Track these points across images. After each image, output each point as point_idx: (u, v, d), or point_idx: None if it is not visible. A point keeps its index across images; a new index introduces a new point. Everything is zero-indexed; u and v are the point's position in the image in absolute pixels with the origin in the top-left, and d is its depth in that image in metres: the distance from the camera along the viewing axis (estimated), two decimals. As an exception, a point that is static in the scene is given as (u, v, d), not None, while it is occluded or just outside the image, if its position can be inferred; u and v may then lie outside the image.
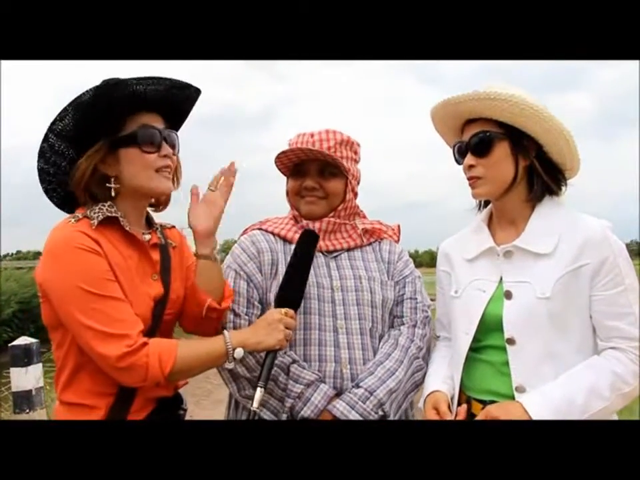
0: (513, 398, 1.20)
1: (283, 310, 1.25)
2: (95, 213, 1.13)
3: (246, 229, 1.60)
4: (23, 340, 3.73)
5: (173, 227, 1.40)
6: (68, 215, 1.16)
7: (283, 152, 1.43)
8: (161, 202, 1.32)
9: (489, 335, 1.27)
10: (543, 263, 1.21)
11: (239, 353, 1.17)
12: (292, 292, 1.31)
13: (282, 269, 1.42)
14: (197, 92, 1.25)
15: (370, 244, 1.55)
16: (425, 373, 1.44)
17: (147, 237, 1.24)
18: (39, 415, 3.74)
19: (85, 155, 1.12)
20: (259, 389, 1.19)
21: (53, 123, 1.13)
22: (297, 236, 1.45)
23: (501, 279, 1.26)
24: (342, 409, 1.28)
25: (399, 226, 1.67)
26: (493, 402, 1.24)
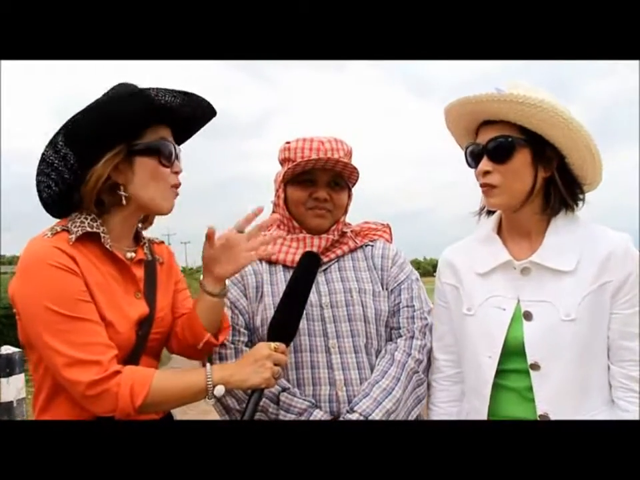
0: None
1: (273, 345, 1.14)
2: (75, 227, 1.07)
3: None
4: (5, 349, 3.65)
5: (162, 242, 1.34)
6: (46, 228, 1.09)
7: (309, 160, 1.33)
8: (149, 221, 1.26)
9: (509, 359, 1.17)
10: (564, 281, 1.13)
11: (220, 390, 1.08)
12: (285, 324, 1.19)
13: (268, 290, 1.36)
14: (213, 113, 1.22)
15: (361, 247, 1.47)
16: (427, 386, 1.36)
17: (131, 254, 1.17)
18: (20, 427, 3.64)
19: (103, 160, 1.06)
20: None
21: (67, 123, 1.08)
22: (285, 256, 1.39)
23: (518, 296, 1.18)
24: None
25: (388, 225, 1.58)
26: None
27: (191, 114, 1.17)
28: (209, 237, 1.17)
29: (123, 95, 1.08)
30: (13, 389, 3.59)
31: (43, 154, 1.09)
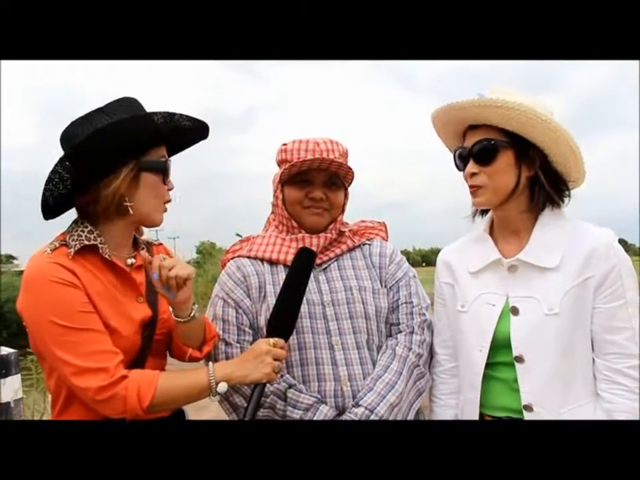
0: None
1: (272, 340, 1.19)
2: (73, 241, 1.11)
3: (228, 251, 1.56)
4: (1, 350, 3.63)
5: (161, 244, 1.37)
6: (45, 244, 1.13)
7: (304, 160, 1.36)
8: (139, 231, 1.30)
9: (498, 352, 1.23)
10: (548, 277, 1.18)
11: (222, 387, 1.13)
12: (283, 319, 1.23)
13: (270, 290, 1.39)
14: (205, 136, 1.28)
15: (359, 246, 1.50)
16: (428, 379, 1.40)
17: (131, 261, 1.22)
18: (18, 427, 3.63)
19: (121, 176, 1.11)
20: None
21: (78, 142, 1.10)
22: (285, 256, 1.41)
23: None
24: None
25: (384, 223, 1.62)
26: (508, 418, 1.22)
27: (191, 137, 1.25)
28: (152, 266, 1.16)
29: (134, 116, 1.14)
30: (9, 389, 3.57)
31: (52, 172, 1.11)
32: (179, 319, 1.19)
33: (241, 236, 1.62)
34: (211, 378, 1.12)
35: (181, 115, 1.17)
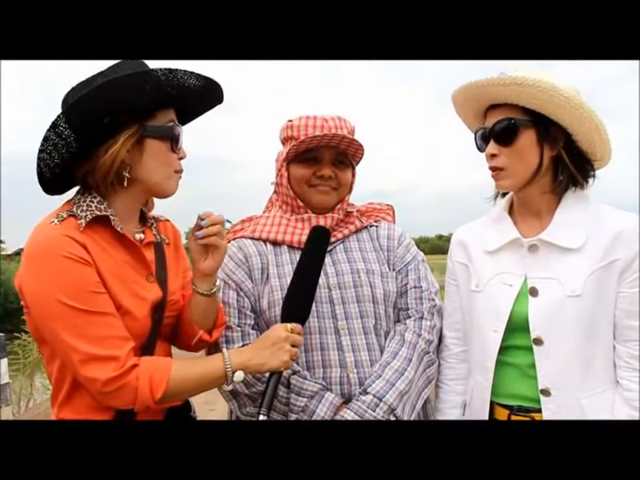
0: (539, 402, 1.15)
1: (289, 326, 1.13)
2: (83, 212, 1.02)
3: (229, 231, 1.50)
4: (-13, 334, 3.61)
5: (167, 220, 1.29)
6: (51, 212, 1.05)
7: (314, 137, 1.30)
8: (149, 205, 1.23)
9: (513, 335, 1.19)
10: (571, 258, 1.14)
11: (239, 376, 1.07)
12: (300, 303, 1.18)
13: (273, 271, 1.34)
14: (221, 99, 1.19)
15: (366, 228, 1.46)
16: (437, 367, 1.36)
17: (140, 236, 1.13)
18: (4, 412, 3.63)
19: (121, 140, 1.00)
20: (261, 416, 1.09)
21: (75, 100, 1.02)
22: (291, 237, 1.37)
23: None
24: (350, 419, 1.19)
25: (392, 206, 1.58)
26: (520, 407, 1.19)
27: (203, 98, 1.14)
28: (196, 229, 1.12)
29: (140, 74, 1.03)
30: (-4, 374, 3.56)
31: (43, 139, 1.02)
32: (201, 292, 1.15)
33: (229, 221, 1.58)
34: (227, 366, 1.06)
35: (185, 71, 1.05)
